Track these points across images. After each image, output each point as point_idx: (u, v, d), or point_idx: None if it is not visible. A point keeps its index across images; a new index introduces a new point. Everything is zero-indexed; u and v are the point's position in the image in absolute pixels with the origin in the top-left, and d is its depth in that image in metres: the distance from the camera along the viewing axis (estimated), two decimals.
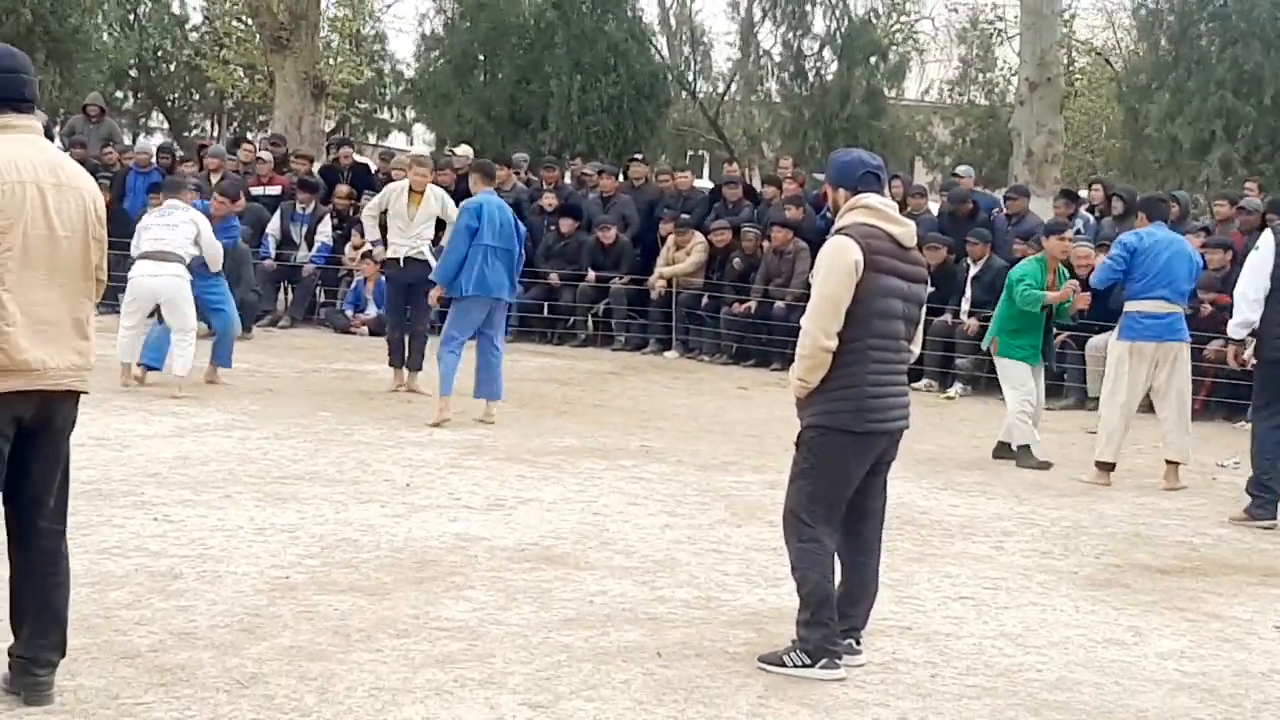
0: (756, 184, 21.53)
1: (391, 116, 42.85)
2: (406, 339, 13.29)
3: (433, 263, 12.57)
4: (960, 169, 19.47)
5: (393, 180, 19.70)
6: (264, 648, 5.78)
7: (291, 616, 6.22)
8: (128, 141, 24.86)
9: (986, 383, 15.22)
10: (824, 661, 5.84)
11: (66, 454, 5.15)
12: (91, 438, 9.68)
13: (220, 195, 14.32)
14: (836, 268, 5.84)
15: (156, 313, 12.56)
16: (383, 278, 15.58)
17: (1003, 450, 11.53)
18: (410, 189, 13.29)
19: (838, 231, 5.97)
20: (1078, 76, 33.74)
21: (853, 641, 6.07)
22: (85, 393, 5.13)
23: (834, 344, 5.82)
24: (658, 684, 5.65)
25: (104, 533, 7.41)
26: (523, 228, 12.31)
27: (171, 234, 12.45)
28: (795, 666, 5.85)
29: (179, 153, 21.47)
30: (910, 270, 6.01)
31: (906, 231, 6.02)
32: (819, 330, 5.85)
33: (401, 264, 13.16)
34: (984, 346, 11.33)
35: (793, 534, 6.01)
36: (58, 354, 4.94)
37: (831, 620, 5.90)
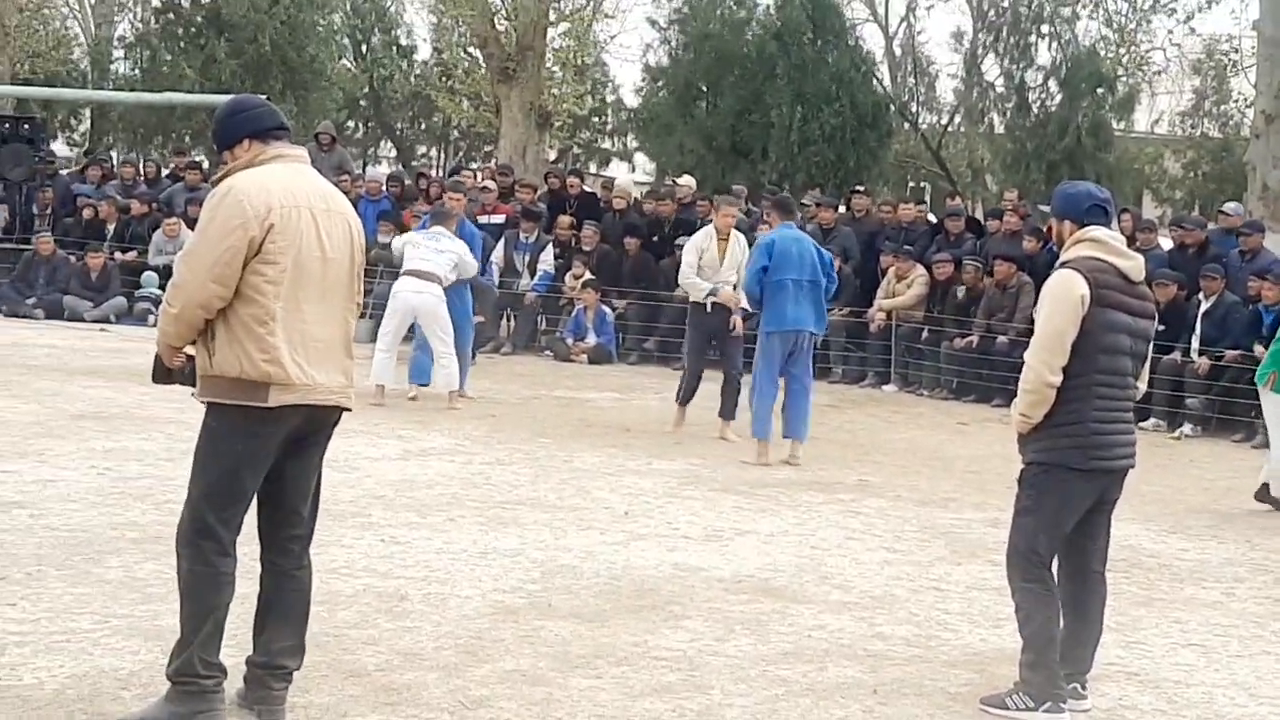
0: (979, 216, 21.28)
1: (613, 146, 43.37)
2: (720, 386, 12.82)
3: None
4: (1229, 206, 18.86)
5: (612, 207, 20.06)
6: (487, 670, 5.87)
7: (514, 640, 6.31)
8: (358, 169, 25.54)
9: (1217, 424, 14.81)
10: (1048, 705, 5.73)
11: (321, 467, 5.36)
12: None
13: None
14: (1062, 302, 5.75)
15: (410, 335, 13.29)
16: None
17: (1264, 493, 11.04)
18: (717, 233, 13.01)
19: (1063, 265, 5.88)
20: None
21: (1078, 685, 5.95)
22: (349, 409, 5.27)
23: (1058, 379, 5.73)
24: None
25: (333, 553, 7.59)
26: (827, 255, 12.16)
27: (438, 258, 13.26)
28: (1019, 709, 5.75)
29: (407, 181, 21.97)
30: (1138, 305, 5.89)
31: (1135, 266, 5.91)
32: (1043, 365, 5.76)
33: (709, 309, 12.92)
34: (1259, 382, 10.88)
35: (1016, 573, 5.92)
36: (327, 371, 5.13)
37: (1055, 663, 5.79)
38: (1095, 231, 5.91)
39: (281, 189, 5.05)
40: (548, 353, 18.65)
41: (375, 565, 7.45)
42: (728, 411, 12.76)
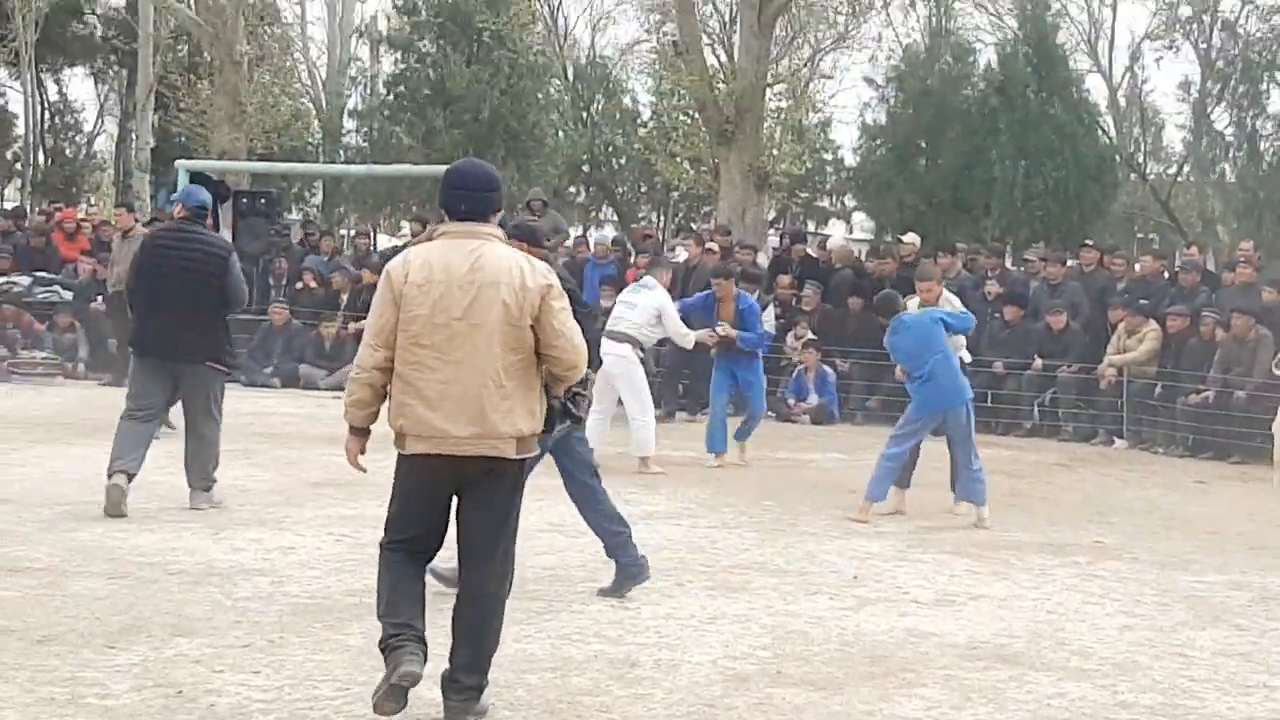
0: (1211, 267, 20.73)
1: (831, 204, 43.23)
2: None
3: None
4: None
5: (833, 266, 19.96)
6: None
7: (746, 708, 6.27)
8: (576, 232, 25.88)
9: None
10: None
11: (503, 514, 5.98)
12: (549, 524, 10.03)
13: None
14: None
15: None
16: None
17: None
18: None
19: None
20: None
21: None
22: (499, 459, 5.84)
23: None
24: None
25: (564, 619, 7.65)
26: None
27: (630, 314, 12.89)
28: None
29: (628, 244, 22.20)
30: None
31: None
32: None
33: None
34: None
35: None
36: (459, 425, 5.77)
37: None
38: None
39: (420, 264, 5.85)
40: (770, 414, 18.59)
41: (606, 631, 7.48)
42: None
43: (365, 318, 14.83)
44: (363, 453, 6.12)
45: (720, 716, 6.15)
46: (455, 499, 5.93)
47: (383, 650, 5.78)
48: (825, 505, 11.84)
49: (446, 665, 5.88)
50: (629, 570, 8.29)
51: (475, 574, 5.92)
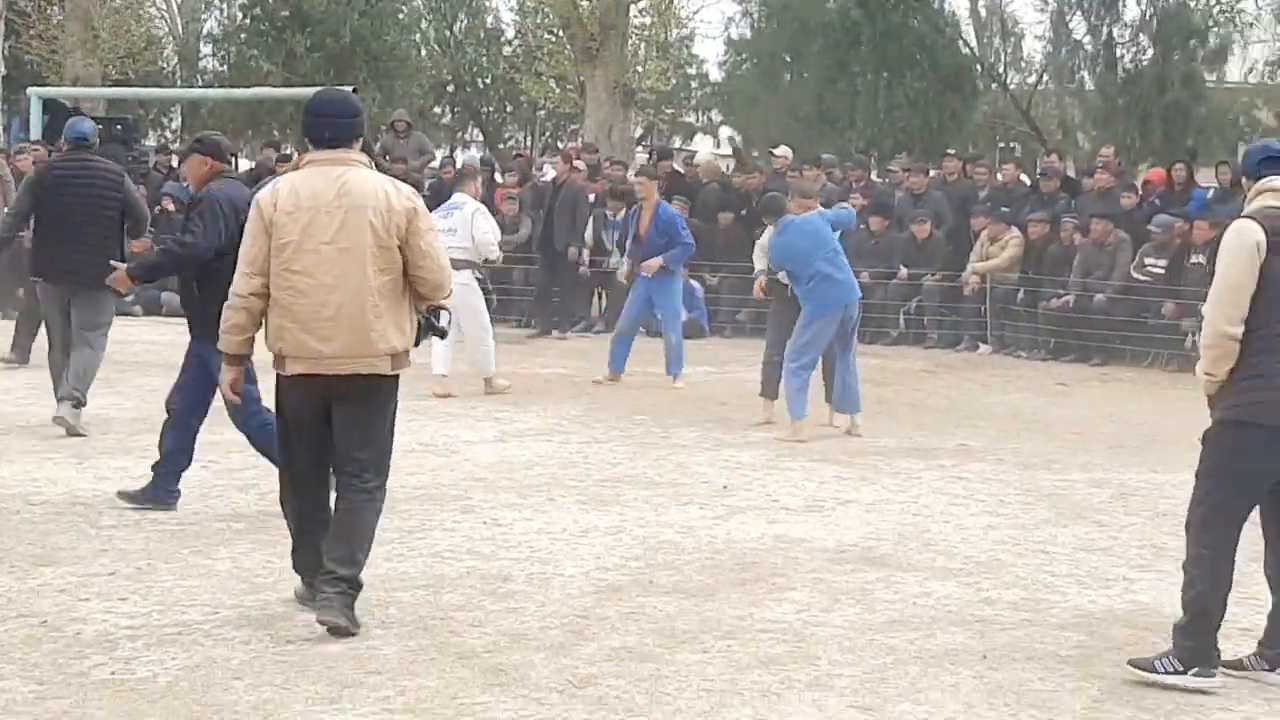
0: (1072, 174, 21.03)
1: (697, 120, 43.24)
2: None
3: None
4: None
5: (700, 182, 19.97)
6: (594, 649, 5.88)
7: (618, 618, 6.32)
8: (442, 153, 25.67)
9: None
10: (1196, 670, 5.58)
11: (379, 424, 6.17)
12: (420, 444, 10.00)
13: None
14: (1237, 251, 5.61)
15: None
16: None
17: None
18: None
19: (1241, 216, 5.77)
20: None
21: (1266, 666, 5.80)
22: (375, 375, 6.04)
23: (1238, 331, 5.56)
24: (987, 687, 5.56)
25: (436, 536, 7.64)
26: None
27: (451, 239, 11.93)
28: (1166, 673, 5.61)
29: (495, 164, 22.05)
30: None
31: None
32: (1222, 317, 5.60)
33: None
34: None
35: (1192, 536, 5.71)
36: (334, 345, 5.95)
37: (1209, 633, 5.61)
38: (1273, 181, 5.77)
39: (287, 191, 6.01)
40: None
41: (478, 548, 7.48)
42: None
43: None
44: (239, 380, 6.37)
45: (593, 627, 6.18)
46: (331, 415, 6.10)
47: (300, 578, 6.27)
48: (696, 418, 11.90)
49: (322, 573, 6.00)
50: None
51: (349, 483, 6.08)
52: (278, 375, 6.12)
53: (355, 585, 5.99)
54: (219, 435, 10.33)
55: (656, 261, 13.72)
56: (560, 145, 30.95)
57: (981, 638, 6.18)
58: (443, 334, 6.53)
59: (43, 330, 11.25)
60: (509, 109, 42.67)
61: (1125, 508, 8.91)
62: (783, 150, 20.83)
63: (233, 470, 9.22)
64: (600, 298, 19.55)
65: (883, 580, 7.07)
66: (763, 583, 6.96)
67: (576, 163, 19.82)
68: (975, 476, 9.78)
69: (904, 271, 18.02)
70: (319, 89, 6.43)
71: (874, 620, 6.39)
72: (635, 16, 27.96)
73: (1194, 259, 15.61)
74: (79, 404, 10.34)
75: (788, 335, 11.42)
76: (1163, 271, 16.15)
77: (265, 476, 8.99)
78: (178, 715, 5.01)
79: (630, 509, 8.49)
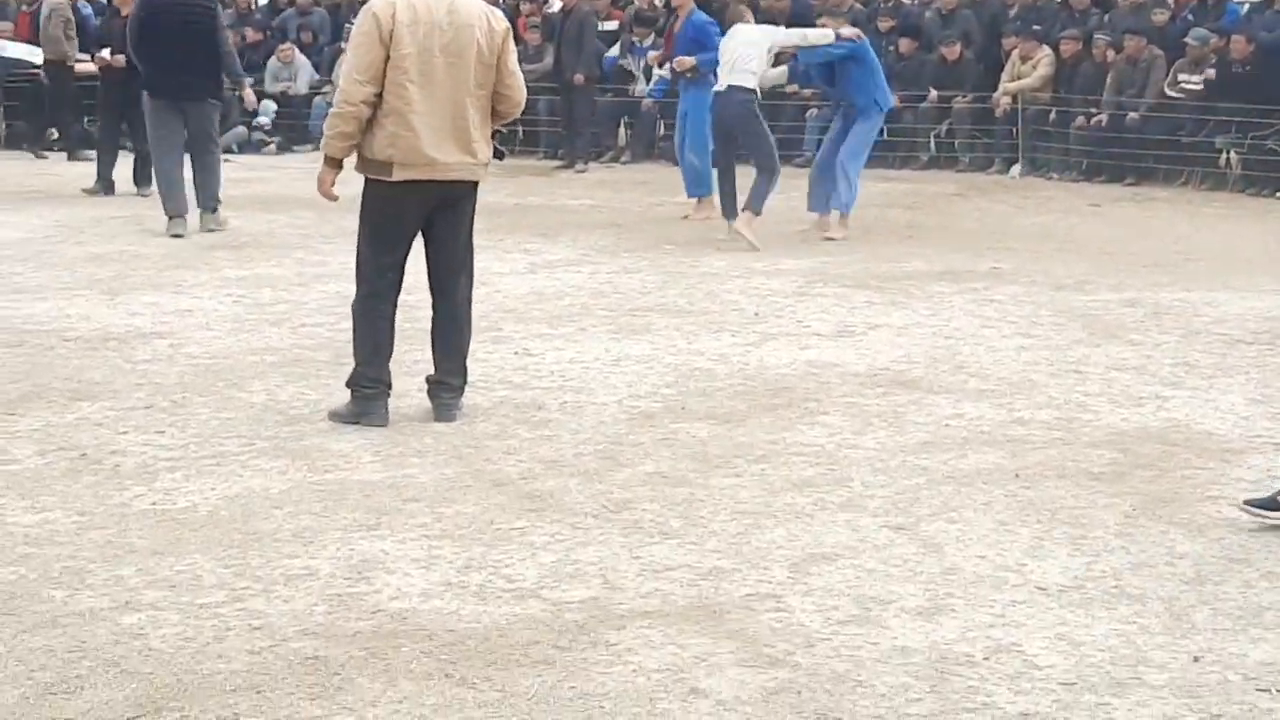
0: None
1: None
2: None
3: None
4: None
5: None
6: (628, 474, 5.91)
7: (652, 444, 6.34)
8: None
9: None
10: None
11: (470, 232, 6.71)
12: None
13: None
14: None
15: None
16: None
17: None
18: None
19: None
20: None
21: None
22: (474, 182, 6.55)
23: None
24: (1020, 505, 5.58)
25: (469, 366, 7.65)
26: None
27: None
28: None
29: None
30: None
31: None
32: None
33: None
34: None
35: None
36: (446, 151, 6.35)
37: None
38: None
39: (404, 6, 6.24)
40: (667, 159, 18.48)
41: (511, 377, 7.51)
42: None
43: (248, 78, 14.32)
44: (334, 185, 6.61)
45: (626, 453, 6.21)
46: (424, 229, 6.56)
47: (353, 391, 6.54)
48: (728, 247, 11.85)
49: (431, 372, 6.65)
50: None
51: (452, 289, 6.63)
52: (376, 182, 6.41)
53: (464, 388, 6.72)
54: (247, 271, 10.40)
55: (691, 60, 13.41)
56: None
57: (1014, 457, 6.19)
58: (502, 157, 6.87)
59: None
60: None
61: (1159, 326, 8.86)
62: None
63: (263, 305, 9.24)
64: (627, 127, 19.37)
65: (914, 403, 7.07)
66: (795, 407, 6.97)
67: None
68: (1008, 299, 9.74)
69: (934, 94, 17.80)
70: None
71: (906, 442, 6.41)
72: None
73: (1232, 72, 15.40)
74: (215, 209, 12.15)
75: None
76: (1198, 88, 15.93)
77: (295, 310, 9.04)
78: (219, 544, 5.06)
79: (661, 337, 8.49)
